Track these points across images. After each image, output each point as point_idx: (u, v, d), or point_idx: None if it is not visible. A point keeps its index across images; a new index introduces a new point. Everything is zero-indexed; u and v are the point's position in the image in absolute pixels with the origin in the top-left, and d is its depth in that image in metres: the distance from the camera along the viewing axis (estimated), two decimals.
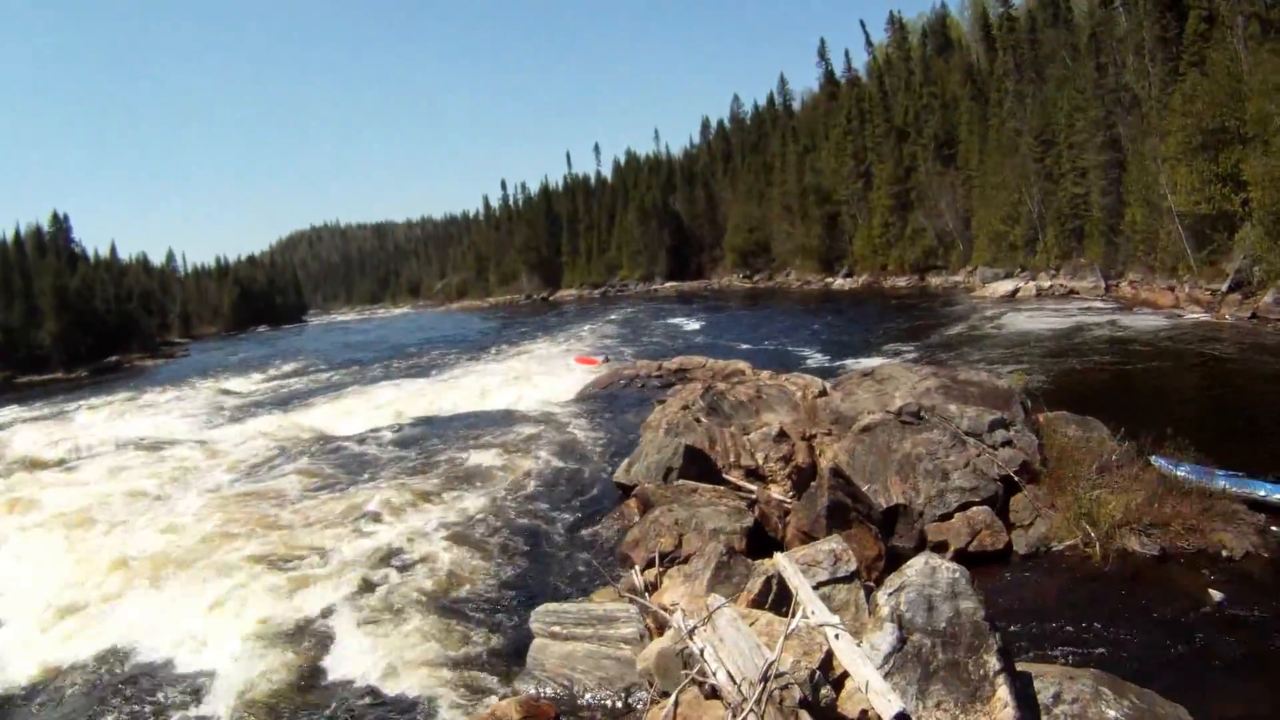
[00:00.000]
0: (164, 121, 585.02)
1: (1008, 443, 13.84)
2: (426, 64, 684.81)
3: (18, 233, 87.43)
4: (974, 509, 12.45)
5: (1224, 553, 11.20)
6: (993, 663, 6.95)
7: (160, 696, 10.34)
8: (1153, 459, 13.47)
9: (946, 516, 12.39)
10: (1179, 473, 12.95)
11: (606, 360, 36.01)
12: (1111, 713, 6.94)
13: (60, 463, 24.87)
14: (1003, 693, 6.76)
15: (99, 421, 35.06)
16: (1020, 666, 7.37)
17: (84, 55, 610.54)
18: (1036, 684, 7.22)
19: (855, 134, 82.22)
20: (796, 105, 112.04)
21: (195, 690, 10.38)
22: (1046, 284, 50.30)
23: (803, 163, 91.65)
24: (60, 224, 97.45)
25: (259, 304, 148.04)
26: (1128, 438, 13.93)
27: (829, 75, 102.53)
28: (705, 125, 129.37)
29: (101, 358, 75.63)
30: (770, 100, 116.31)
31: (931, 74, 79.16)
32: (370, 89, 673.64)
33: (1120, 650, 9.15)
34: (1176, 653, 9.09)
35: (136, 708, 10.11)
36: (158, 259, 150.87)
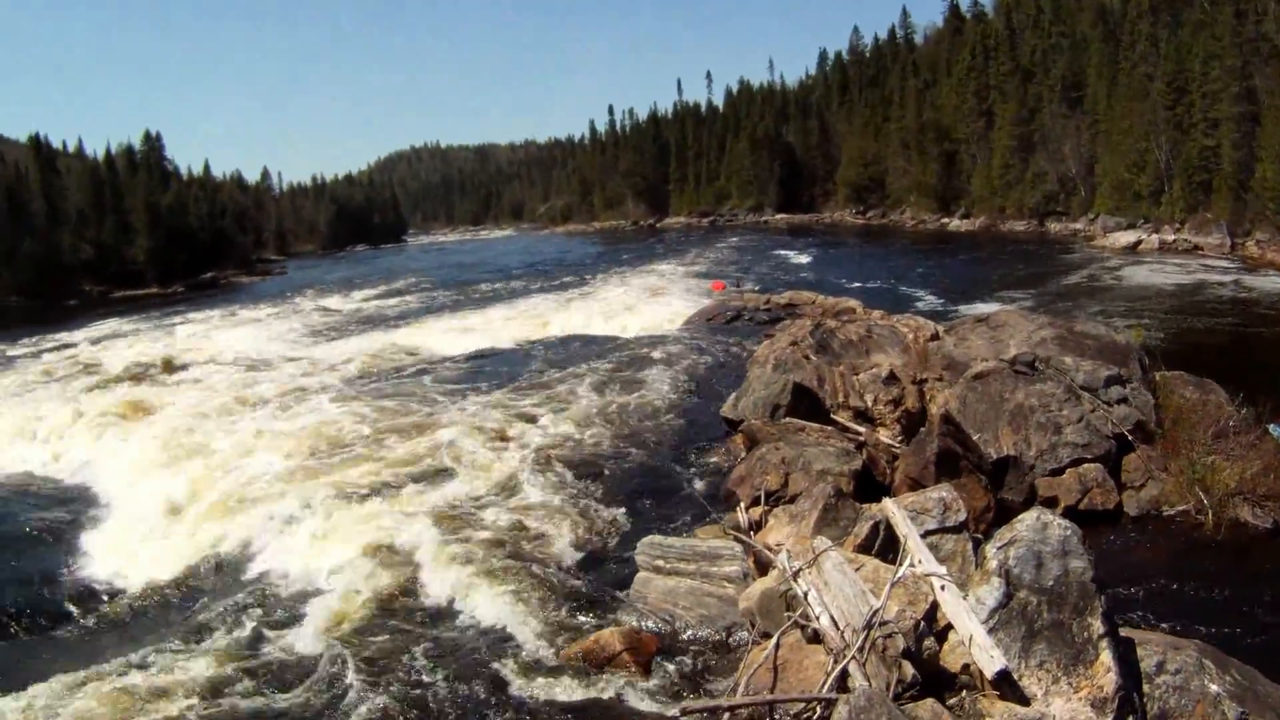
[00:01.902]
0: (258, 42, 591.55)
1: (1123, 400, 13.46)
2: None
3: (109, 151, 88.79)
4: (1086, 466, 12.17)
5: None
6: (1098, 626, 6.87)
7: (256, 611, 10.57)
8: (1270, 428, 12.89)
9: (1057, 471, 12.14)
10: None
11: (738, 285, 36.25)
12: (1214, 687, 6.79)
13: (163, 375, 25.59)
14: (1106, 657, 6.70)
15: (199, 336, 35.81)
16: (1124, 632, 7.25)
17: None
18: (1140, 651, 7.09)
19: (979, 71, 79.96)
20: (919, 39, 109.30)
21: (290, 608, 10.62)
22: (1170, 238, 48.40)
23: (922, 98, 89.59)
24: (153, 142, 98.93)
25: (356, 223, 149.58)
26: (1246, 404, 13.38)
27: (954, 9, 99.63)
28: (822, 57, 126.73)
29: (197, 274, 76.66)
30: (891, 34, 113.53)
31: (1061, 12, 76.31)
32: (475, 10, 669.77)
33: (1225, 624, 8.90)
34: None
35: (234, 620, 10.38)
36: (252, 178, 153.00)
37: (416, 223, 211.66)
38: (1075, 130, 64.84)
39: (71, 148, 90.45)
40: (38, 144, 79.61)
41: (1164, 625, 8.72)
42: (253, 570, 12.03)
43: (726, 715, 6.89)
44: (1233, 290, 32.67)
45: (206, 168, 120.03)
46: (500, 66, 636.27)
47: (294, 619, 10.23)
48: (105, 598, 12.00)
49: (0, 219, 64.05)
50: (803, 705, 6.79)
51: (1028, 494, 11.90)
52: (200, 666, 9.15)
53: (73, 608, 11.76)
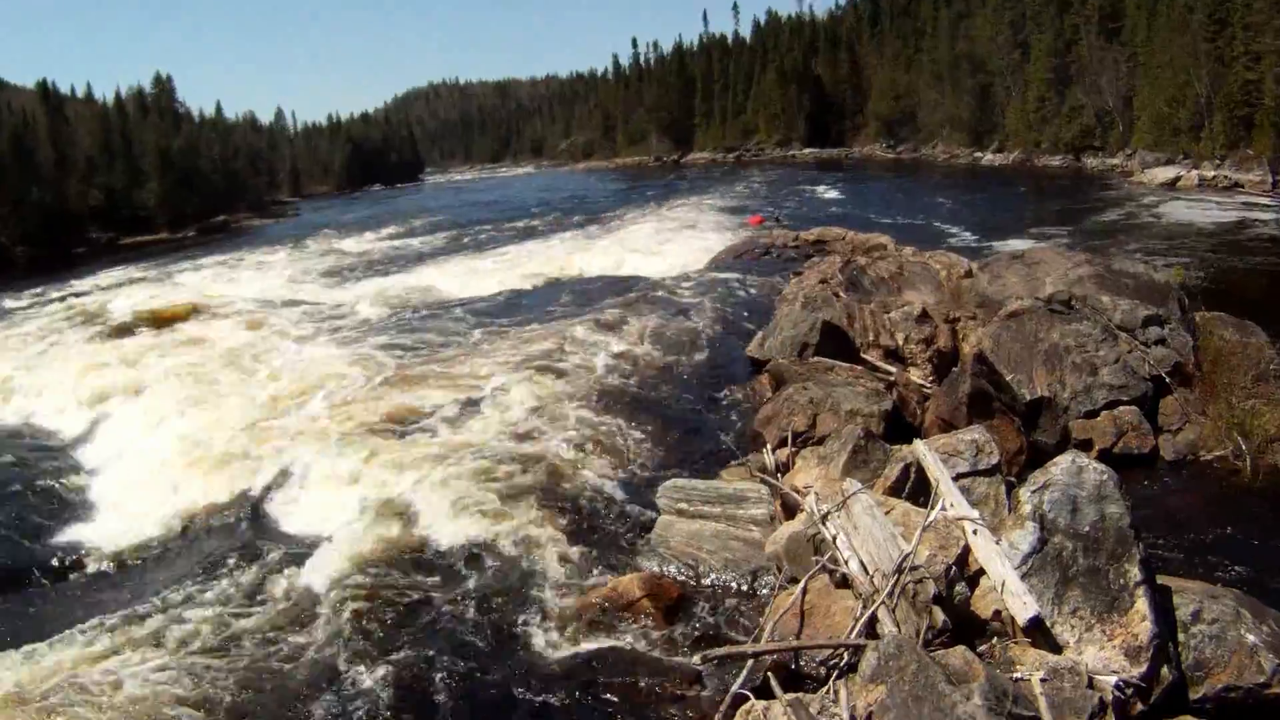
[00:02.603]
0: None
1: (1161, 341, 13.25)
2: None
3: (118, 94, 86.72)
4: (1121, 408, 12.02)
5: None
6: (1134, 573, 6.74)
7: (268, 558, 10.39)
8: None
9: (1092, 414, 11.99)
10: None
11: (777, 220, 36.03)
12: (1251, 638, 6.67)
13: (169, 324, 24.69)
14: (1142, 605, 6.57)
15: (205, 282, 34.84)
16: (1160, 580, 7.10)
17: None
18: (1176, 599, 6.97)
19: (1014, 1, 77.96)
20: None
21: (302, 553, 10.40)
22: (1210, 174, 47.33)
23: (956, 29, 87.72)
24: (163, 84, 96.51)
25: (372, 162, 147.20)
26: None
27: None
28: None
29: (208, 218, 75.13)
30: None
31: None
32: None
33: (1264, 573, 8.75)
34: None
35: (244, 567, 10.24)
36: (266, 118, 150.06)
37: (434, 161, 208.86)
38: (1113, 63, 63.36)
39: (80, 92, 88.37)
40: (45, 90, 77.97)
41: (1199, 573, 8.54)
42: (267, 515, 11.93)
43: (750, 662, 6.78)
44: (1275, 229, 31.89)
45: (219, 109, 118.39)
46: None
47: (305, 565, 10.03)
48: (113, 547, 11.85)
49: (7, 168, 62.88)
50: (830, 651, 6.68)
51: (1061, 436, 11.71)
52: (206, 616, 9.08)
53: (79, 558, 11.66)
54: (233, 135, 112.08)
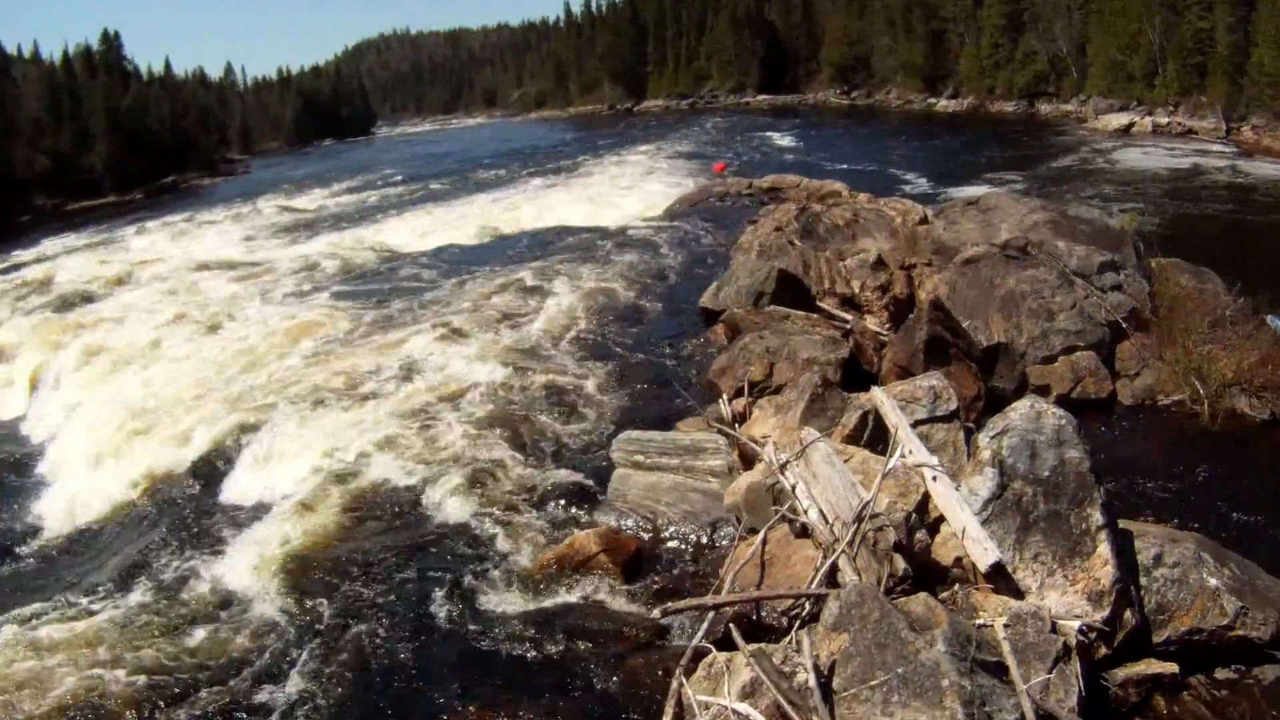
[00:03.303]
0: None
1: (1117, 286, 13.23)
2: None
3: (65, 53, 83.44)
4: (1079, 353, 11.96)
5: None
6: (1096, 517, 6.70)
7: (204, 537, 10.09)
8: (1268, 319, 12.67)
9: (1050, 359, 11.92)
10: None
11: (737, 168, 35.91)
12: (1213, 581, 6.68)
13: (112, 291, 23.95)
14: (1103, 549, 6.55)
15: (151, 246, 33.58)
16: (1121, 524, 7.07)
17: None
18: (1137, 543, 6.95)
19: None
20: None
21: (242, 528, 10.10)
22: (1163, 121, 47.56)
23: None
24: (111, 42, 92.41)
25: (324, 117, 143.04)
26: (1243, 294, 13.13)
27: None
28: None
29: (157, 179, 72.15)
30: None
31: None
32: None
33: (1223, 516, 8.78)
34: None
35: (192, 539, 10.01)
36: (215, 73, 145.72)
37: (386, 114, 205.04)
38: (1066, 9, 63.38)
39: (27, 52, 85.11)
40: None
41: (1160, 517, 8.57)
42: (222, 481, 11.57)
43: (711, 614, 6.65)
44: (1229, 176, 32.02)
45: (168, 65, 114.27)
46: None
47: (259, 530, 9.79)
48: (61, 523, 11.57)
49: None
50: (791, 601, 6.58)
51: (1019, 382, 11.71)
52: (158, 589, 8.88)
53: (26, 535, 11.41)
54: (182, 93, 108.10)
